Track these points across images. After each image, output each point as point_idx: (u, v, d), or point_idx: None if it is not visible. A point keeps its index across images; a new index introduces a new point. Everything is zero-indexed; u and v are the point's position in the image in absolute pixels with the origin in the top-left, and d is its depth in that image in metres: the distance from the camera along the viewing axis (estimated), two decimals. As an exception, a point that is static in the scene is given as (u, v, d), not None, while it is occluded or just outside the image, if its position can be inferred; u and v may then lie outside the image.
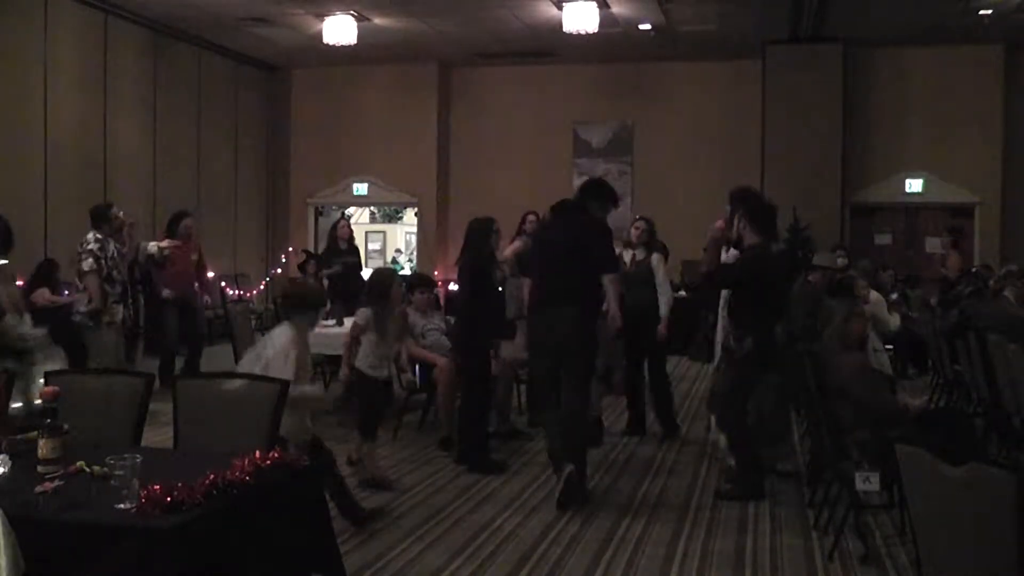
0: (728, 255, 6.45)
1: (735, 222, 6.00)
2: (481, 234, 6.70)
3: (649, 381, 7.74)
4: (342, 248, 10.11)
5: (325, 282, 9.78)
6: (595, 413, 7.17)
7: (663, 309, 7.42)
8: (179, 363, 9.32)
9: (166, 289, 9.27)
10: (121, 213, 8.63)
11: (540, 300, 5.96)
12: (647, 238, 7.68)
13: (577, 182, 15.50)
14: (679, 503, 5.78)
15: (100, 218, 8.00)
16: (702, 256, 6.38)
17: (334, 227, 10.49)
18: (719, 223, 6.17)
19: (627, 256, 7.62)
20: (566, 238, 5.90)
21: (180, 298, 9.32)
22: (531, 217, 7.86)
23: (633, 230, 7.75)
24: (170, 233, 9.52)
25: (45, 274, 9.82)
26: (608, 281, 5.89)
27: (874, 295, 7.96)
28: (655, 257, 7.60)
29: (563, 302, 5.76)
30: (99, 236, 7.85)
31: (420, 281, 7.84)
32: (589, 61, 15.08)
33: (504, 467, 6.48)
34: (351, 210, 18.72)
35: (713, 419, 6.92)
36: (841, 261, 10.60)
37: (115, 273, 7.83)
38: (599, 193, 6.18)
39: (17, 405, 5.49)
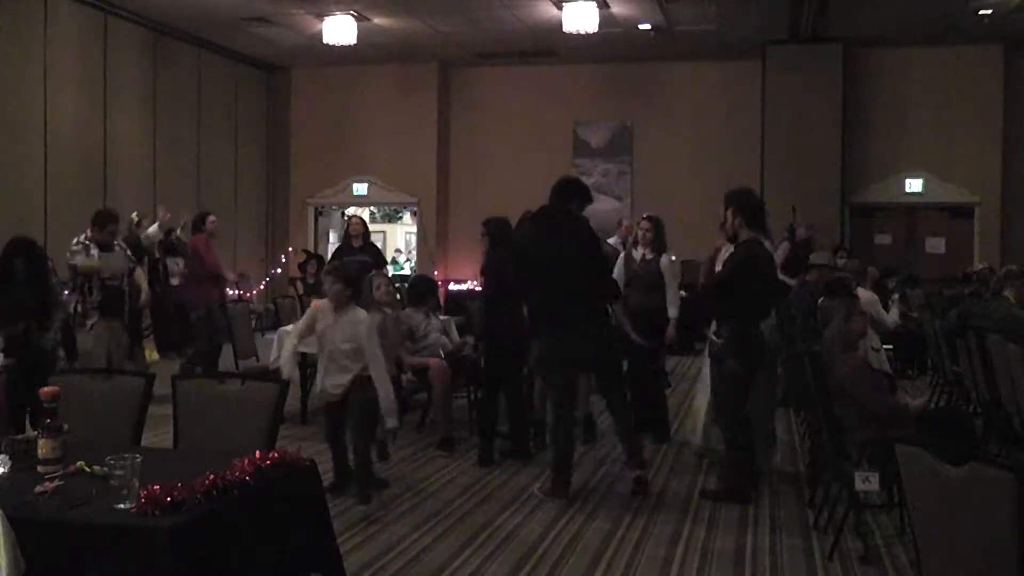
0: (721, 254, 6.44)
1: (730, 219, 5.93)
2: (509, 234, 6.72)
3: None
4: (355, 247, 9.91)
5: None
6: (585, 411, 7.15)
7: (672, 311, 7.25)
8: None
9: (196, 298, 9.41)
10: (134, 214, 8.70)
11: (551, 323, 5.82)
12: (653, 237, 7.43)
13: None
14: (679, 503, 5.78)
15: (94, 221, 7.92)
16: (701, 270, 6.32)
17: (346, 226, 10.28)
18: (720, 242, 6.17)
19: (636, 255, 7.45)
20: (563, 254, 5.80)
21: (209, 300, 9.44)
22: (645, 223, 7.57)
23: (640, 231, 7.53)
24: (196, 231, 9.66)
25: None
26: (617, 311, 6.20)
27: (866, 294, 7.95)
28: (664, 258, 7.38)
29: (578, 324, 5.73)
30: (83, 241, 7.73)
31: (420, 283, 7.90)
32: (589, 61, 15.09)
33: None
34: (351, 210, 18.71)
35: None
36: (842, 262, 10.62)
37: (86, 285, 7.68)
38: (580, 193, 6.08)
39: None
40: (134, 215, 9.24)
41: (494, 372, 6.74)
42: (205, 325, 9.37)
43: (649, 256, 7.39)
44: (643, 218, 7.70)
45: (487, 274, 6.84)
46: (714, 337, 5.91)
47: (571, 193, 6.05)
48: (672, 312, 7.27)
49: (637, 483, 5.87)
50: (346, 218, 17.29)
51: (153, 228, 8.97)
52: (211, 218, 9.94)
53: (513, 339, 6.54)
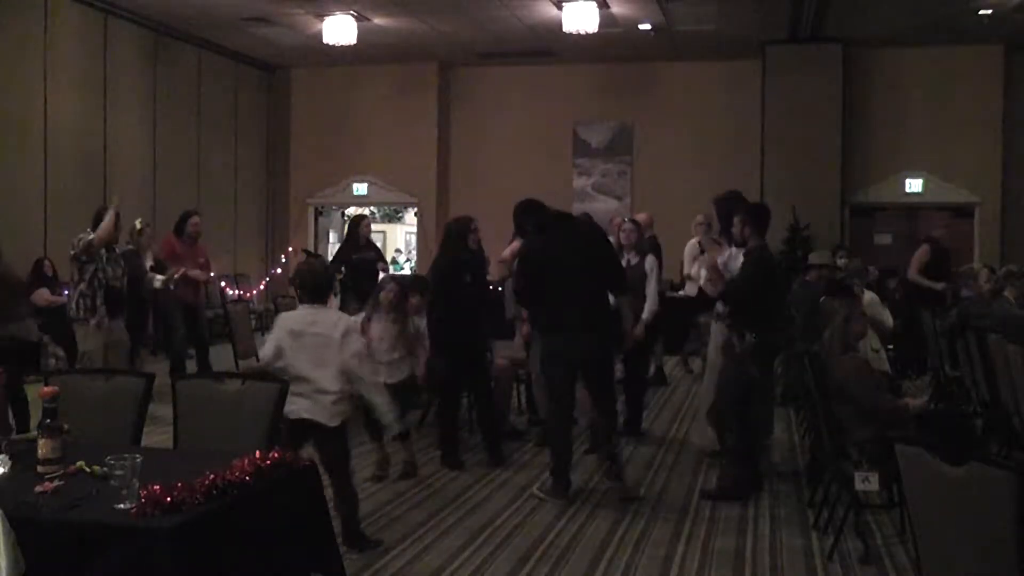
0: (727, 256, 6.45)
1: (738, 226, 6.00)
2: (457, 235, 6.76)
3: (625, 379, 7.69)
4: (361, 244, 9.91)
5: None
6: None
7: (645, 313, 7.35)
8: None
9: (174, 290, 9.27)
10: (138, 223, 8.63)
11: (559, 324, 5.83)
12: (638, 239, 7.61)
13: (577, 182, 15.61)
14: (679, 503, 5.78)
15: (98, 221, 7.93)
16: (705, 284, 6.34)
17: (356, 223, 10.29)
18: (713, 257, 6.30)
19: (621, 259, 7.46)
20: (581, 256, 5.87)
21: (187, 302, 9.32)
22: (628, 225, 7.68)
23: (621, 234, 7.59)
24: (178, 233, 9.50)
25: (44, 273, 9.84)
26: (624, 303, 6.18)
27: (868, 295, 7.94)
28: (649, 260, 7.55)
29: (586, 327, 5.76)
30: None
31: (413, 284, 7.87)
32: (589, 61, 15.08)
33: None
34: (351, 210, 18.71)
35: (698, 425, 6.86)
36: (842, 261, 10.58)
37: (95, 282, 7.68)
38: (538, 211, 6.19)
39: None
40: (137, 222, 9.24)
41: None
42: (175, 328, 9.26)
43: (634, 260, 7.53)
44: (626, 220, 7.84)
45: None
46: (738, 341, 5.90)
47: (531, 213, 6.16)
48: (645, 315, 7.36)
49: (610, 473, 5.91)
50: (346, 216, 17.34)
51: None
52: (193, 219, 9.50)
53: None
